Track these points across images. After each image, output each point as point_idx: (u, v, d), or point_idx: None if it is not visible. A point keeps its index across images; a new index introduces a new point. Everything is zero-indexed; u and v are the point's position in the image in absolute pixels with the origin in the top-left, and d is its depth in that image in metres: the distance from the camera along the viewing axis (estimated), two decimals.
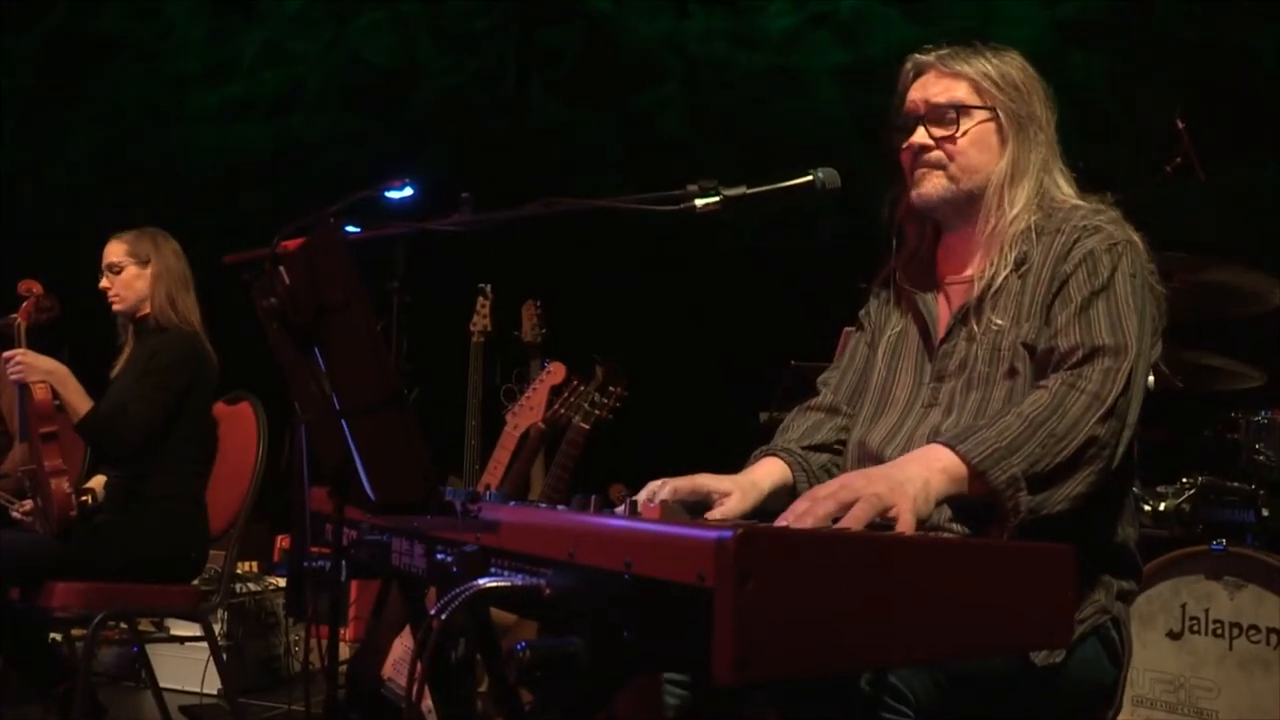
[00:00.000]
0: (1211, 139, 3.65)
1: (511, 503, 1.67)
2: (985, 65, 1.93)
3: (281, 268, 1.63)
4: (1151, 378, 3.31)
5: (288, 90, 6.90)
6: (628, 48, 6.33)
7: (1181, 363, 3.48)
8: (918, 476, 1.56)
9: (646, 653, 1.07)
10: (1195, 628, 3.09)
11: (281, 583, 4.94)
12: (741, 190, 1.94)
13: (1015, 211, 1.89)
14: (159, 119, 7.13)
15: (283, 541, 5.41)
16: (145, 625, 4.46)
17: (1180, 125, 3.61)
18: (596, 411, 3.73)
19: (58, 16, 7.23)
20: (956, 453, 1.61)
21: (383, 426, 1.59)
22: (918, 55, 2.00)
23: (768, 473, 1.98)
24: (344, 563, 1.84)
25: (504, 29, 6.65)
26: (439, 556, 1.54)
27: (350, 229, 1.98)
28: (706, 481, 1.84)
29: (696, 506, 1.81)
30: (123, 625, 4.48)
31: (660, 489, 1.79)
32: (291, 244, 1.74)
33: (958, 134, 1.91)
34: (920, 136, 1.95)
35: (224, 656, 3.69)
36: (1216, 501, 3.35)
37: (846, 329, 2.28)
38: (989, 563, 1.11)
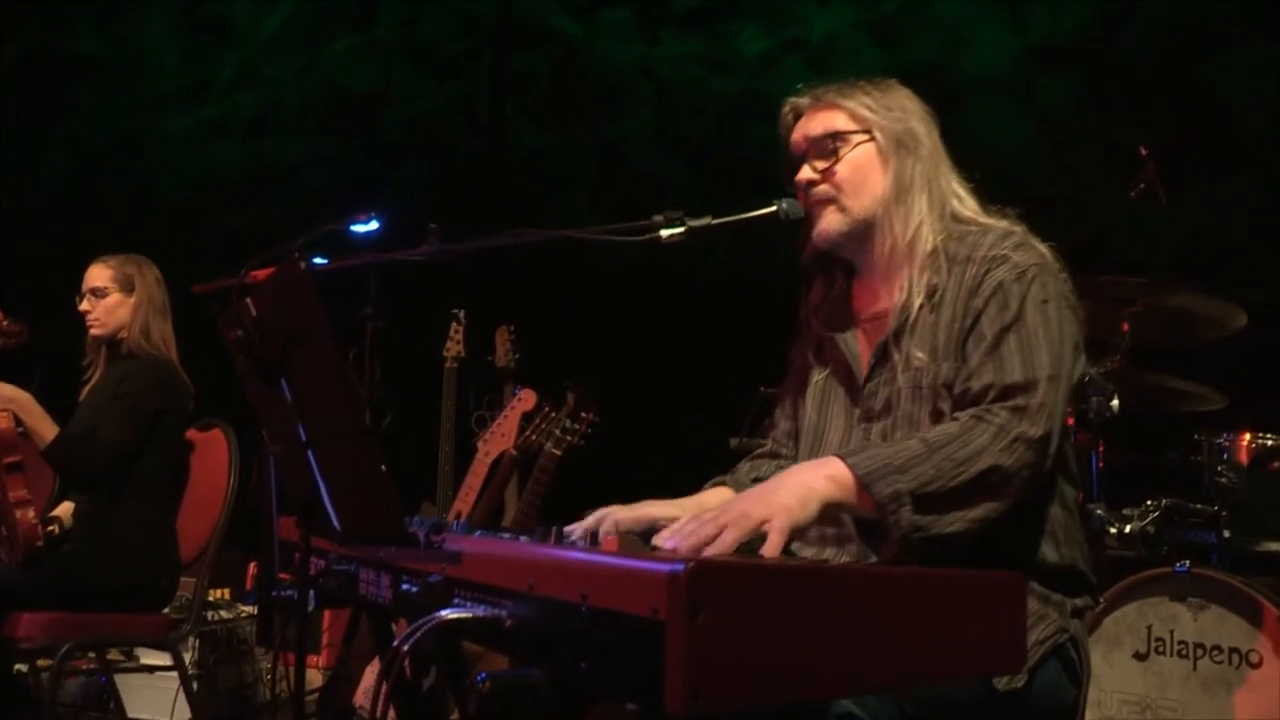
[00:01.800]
0: (1174, 165, 3.71)
1: (477, 532, 1.69)
2: (859, 94, 1.98)
3: (249, 299, 1.65)
4: (1115, 401, 3.37)
5: (262, 113, 6.91)
6: (601, 73, 6.38)
7: (1146, 386, 3.53)
8: (799, 482, 1.61)
9: (602, 684, 1.09)
10: (1160, 649, 3.13)
11: (254, 610, 4.92)
12: (706, 221, 1.98)
13: (912, 229, 1.92)
14: (132, 141, 7.12)
15: (255, 569, 5.38)
16: (114, 655, 4.43)
17: (1143, 152, 3.68)
18: (568, 438, 3.75)
19: (30, 37, 7.21)
20: (847, 464, 1.66)
21: (348, 458, 1.61)
22: (793, 98, 2.05)
23: (719, 498, 2.03)
24: (312, 592, 1.85)
25: (478, 54, 6.69)
26: (404, 587, 1.56)
27: (318, 260, 2.00)
28: (653, 510, 1.87)
29: (651, 534, 1.84)
30: (91, 655, 4.45)
31: (603, 521, 1.81)
32: (261, 274, 1.76)
33: (838, 163, 1.96)
34: (805, 173, 1.99)
35: (194, 686, 3.67)
36: (1180, 523, 3.38)
37: (763, 388, 2.32)
38: (940, 592, 1.13)
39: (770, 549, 1.52)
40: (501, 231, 2.11)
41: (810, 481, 1.63)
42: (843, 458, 1.67)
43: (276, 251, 1.68)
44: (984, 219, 1.96)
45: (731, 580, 0.99)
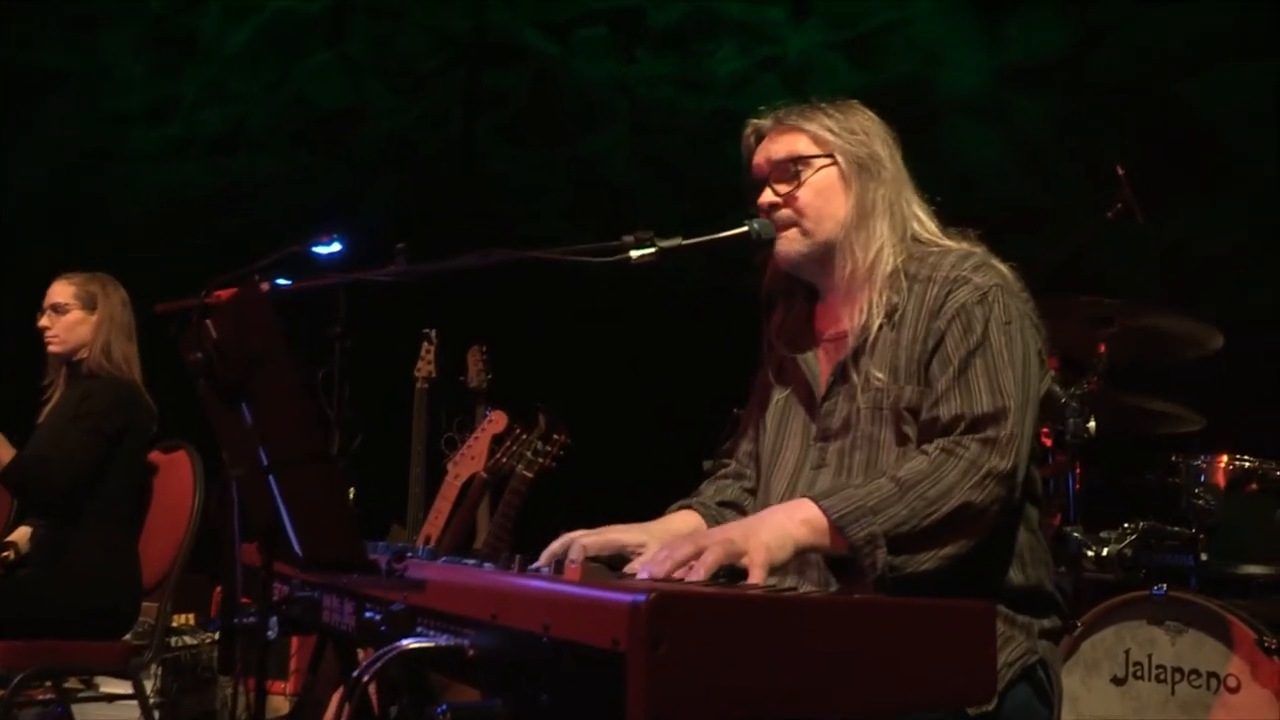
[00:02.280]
0: (1151, 185, 3.75)
1: (442, 559, 1.68)
2: (821, 117, 2.00)
3: (209, 321, 1.64)
4: (1093, 423, 3.39)
5: (230, 130, 6.89)
6: (575, 91, 6.40)
7: (1123, 407, 3.55)
8: (777, 525, 1.64)
9: (565, 716, 1.09)
10: (1139, 673, 3.14)
11: (218, 636, 4.87)
12: (677, 241, 1.98)
13: (873, 252, 1.93)
14: (98, 156, 7.08)
15: (221, 594, 5.33)
16: (73, 683, 4.37)
17: (1120, 171, 3.71)
18: (540, 460, 3.74)
19: None
20: (820, 507, 1.67)
21: (309, 482, 1.60)
22: (754, 120, 2.07)
23: (683, 521, 2.03)
24: (275, 618, 1.84)
25: (451, 71, 6.70)
26: (367, 614, 1.54)
27: (281, 281, 1.99)
28: (618, 536, 1.87)
29: (617, 560, 1.84)
30: (47, 684, 4.39)
31: (568, 547, 1.81)
32: (223, 294, 1.75)
33: (799, 187, 1.97)
34: (767, 196, 2.01)
35: (156, 715, 3.63)
36: (1158, 546, 3.41)
37: (736, 409, 2.34)
38: (907, 622, 1.13)
39: (754, 580, 1.55)
40: (471, 251, 2.11)
41: (785, 525, 1.65)
42: (815, 500, 1.68)
43: (238, 273, 1.67)
44: (944, 240, 1.98)
45: (693, 610, 0.99)
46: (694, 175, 5.83)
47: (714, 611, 0.99)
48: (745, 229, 2.00)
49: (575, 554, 1.78)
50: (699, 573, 1.51)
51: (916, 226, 1.99)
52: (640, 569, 1.54)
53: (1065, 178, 5.13)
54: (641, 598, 0.97)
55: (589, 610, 1.04)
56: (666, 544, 1.58)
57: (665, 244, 1.97)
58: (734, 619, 1.00)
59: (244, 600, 1.87)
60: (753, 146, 2.07)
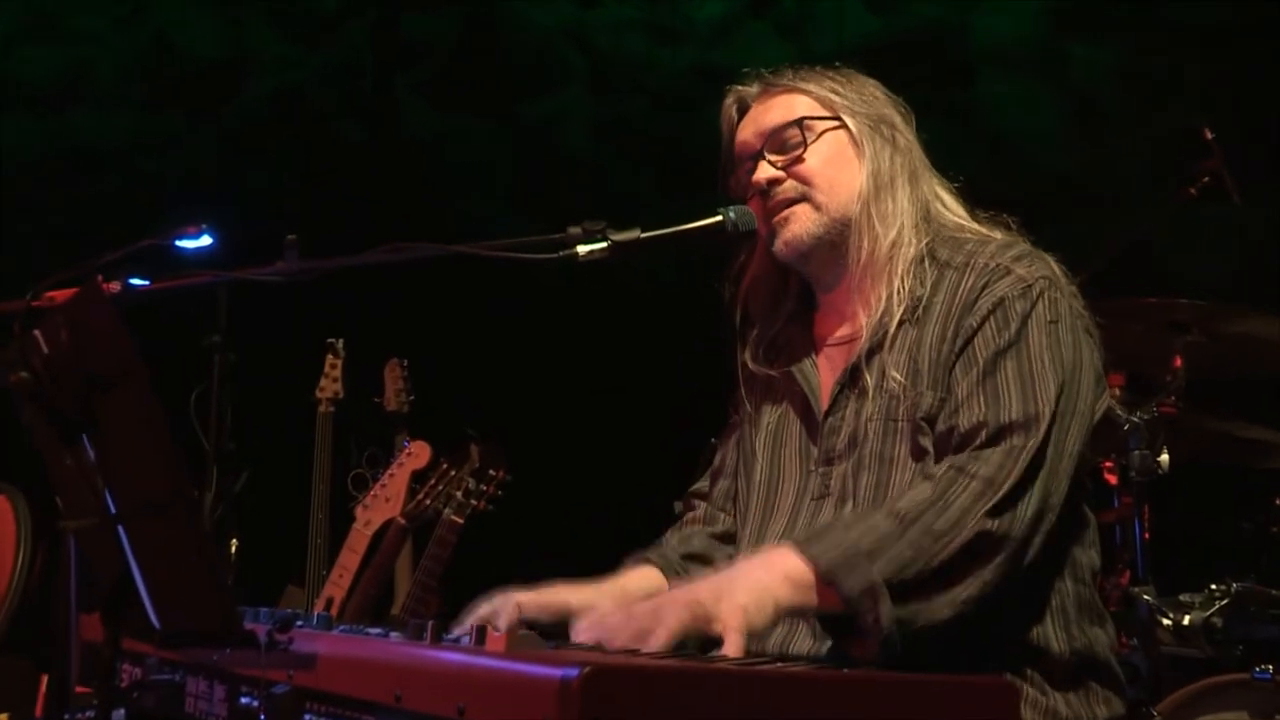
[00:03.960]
0: (1248, 152, 3.78)
1: (338, 628, 1.70)
2: (821, 77, 2.08)
3: (38, 331, 1.65)
4: (1166, 455, 3.40)
5: (65, 79, 6.80)
6: (519, 42, 6.42)
7: (1207, 435, 3.58)
8: (754, 582, 1.67)
9: None
10: None
11: None
12: (635, 234, 2.02)
13: (895, 230, 1.98)
14: None
15: (48, 683, 5.29)
16: None
17: (1208, 135, 3.73)
18: (472, 502, 3.77)
19: None
20: (804, 556, 1.69)
21: (170, 535, 1.61)
22: (737, 86, 2.13)
23: (642, 579, 2.07)
24: (122, 712, 1.84)
25: (359, 15, 6.69)
26: (243, 701, 1.57)
27: (136, 281, 2.01)
28: (565, 596, 1.90)
29: (560, 627, 1.87)
30: None
31: (501, 610, 1.84)
32: (57, 296, 1.76)
33: (805, 152, 2.02)
34: (765, 171, 2.05)
35: None
36: (1259, 615, 3.37)
37: (713, 439, 2.37)
38: (901, 701, 1.16)
39: (730, 650, 1.57)
40: (385, 244, 2.13)
41: (764, 581, 1.67)
42: (799, 549, 1.71)
43: (77, 269, 1.68)
44: (974, 225, 2.02)
45: (637, 688, 1.01)
46: (666, 146, 5.85)
47: (662, 689, 1.02)
48: (719, 218, 2.04)
49: (505, 619, 1.80)
50: (658, 640, 1.54)
51: (939, 207, 2.05)
52: (584, 635, 1.56)
53: (1132, 145, 5.16)
54: (574, 672, 1.00)
55: (512, 688, 1.06)
56: (621, 609, 1.61)
57: (620, 237, 2.01)
58: (687, 698, 1.02)
59: (80, 689, 1.88)
60: (735, 119, 2.12)
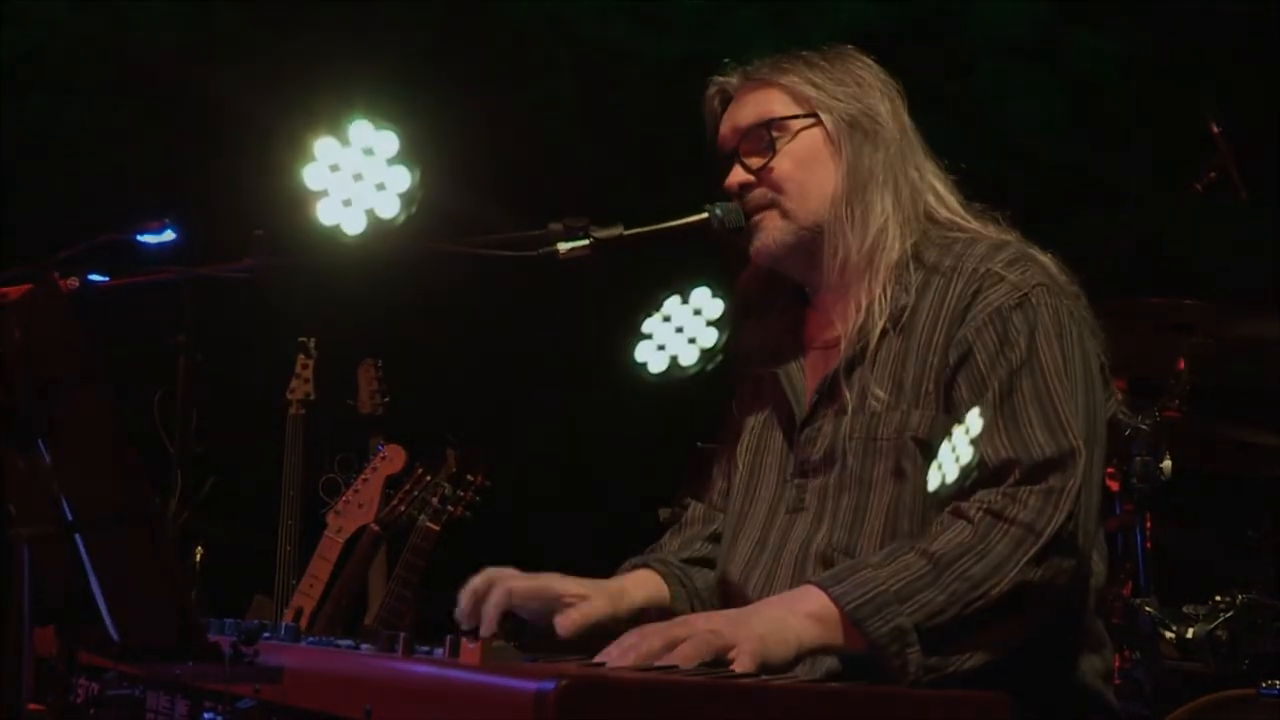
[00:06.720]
0: (1257, 147, 3.77)
1: (306, 640, 1.70)
2: (801, 67, 2.06)
3: None
4: (1168, 461, 3.41)
5: (18, 61, 6.71)
6: (494, 29, 6.39)
7: (1211, 441, 3.59)
8: (775, 619, 1.65)
9: None
10: None
11: None
12: (617, 232, 2.02)
13: (872, 234, 1.97)
14: None
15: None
16: None
17: (1215, 129, 3.73)
18: (449, 508, 3.77)
19: None
20: (830, 595, 1.69)
21: (129, 543, 1.60)
22: (719, 78, 2.13)
23: (640, 583, 2.06)
24: None
25: None
26: (206, 717, 1.56)
27: (94, 277, 2.01)
28: (556, 585, 1.91)
29: (545, 614, 1.87)
30: None
31: (488, 591, 1.84)
32: (9, 292, 1.75)
33: (774, 157, 2.02)
34: (736, 174, 2.05)
35: None
36: (1265, 628, 3.37)
37: (699, 444, 2.38)
38: (893, 715, 1.16)
39: (739, 670, 1.57)
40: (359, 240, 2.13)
41: (786, 619, 1.66)
42: (824, 588, 1.70)
43: (30, 264, 1.68)
44: (970, 222, 2.01)
45: (615, 700, 1.01)
46: (649, 140, 5.83)
47: (638, 701, 1.02)
48: (705, 215, 2.04)
49: (497, 598, 1.81)
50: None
51: (932, 202, 2.04)
52: (607, 654, 1.56)
53: (1138, 138, 5.15)
54: (550, 685, 1.00)
55: (487, 701, 1.06)
56: (637, 630, 1.60)
57: (602, 234, 2.01)
58: (663, 711, 1.03)
59: (33, 707, 1.87)
60: (718, 112, 2.12)
